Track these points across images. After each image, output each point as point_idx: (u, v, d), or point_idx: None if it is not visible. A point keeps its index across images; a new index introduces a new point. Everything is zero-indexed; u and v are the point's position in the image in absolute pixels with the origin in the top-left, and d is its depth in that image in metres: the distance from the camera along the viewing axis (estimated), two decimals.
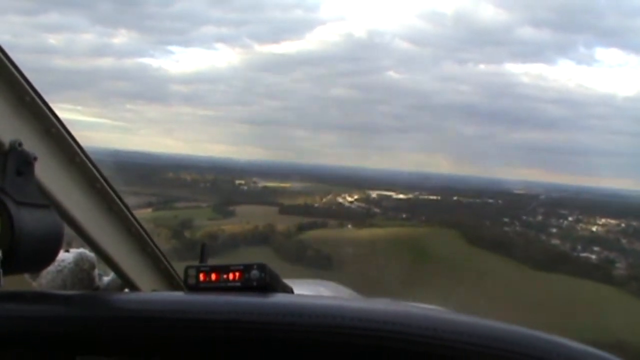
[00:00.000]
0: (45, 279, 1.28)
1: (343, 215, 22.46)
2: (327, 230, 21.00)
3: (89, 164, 1.14)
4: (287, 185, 26.46)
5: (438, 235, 20.38)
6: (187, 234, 17.96)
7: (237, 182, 25.94)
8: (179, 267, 1.42)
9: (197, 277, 1.06)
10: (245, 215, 21.41)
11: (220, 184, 26.10)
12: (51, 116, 1.02)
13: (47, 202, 0.97)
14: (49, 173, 1.03)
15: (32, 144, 0.96)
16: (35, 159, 0.94)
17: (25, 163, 0.92)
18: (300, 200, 24.10)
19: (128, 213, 1.28)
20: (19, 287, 1.18)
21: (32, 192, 0.93)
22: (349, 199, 24.48)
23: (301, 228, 20.44)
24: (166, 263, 1.46)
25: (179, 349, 0.89)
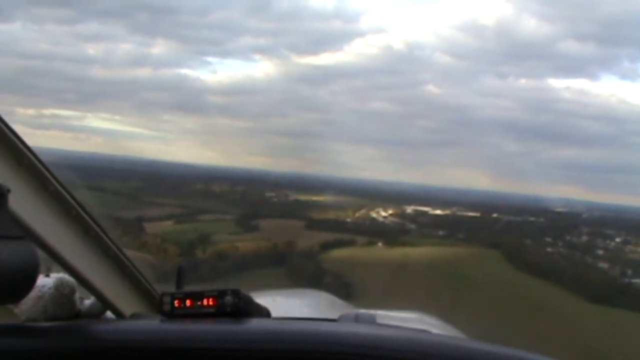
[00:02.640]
0: (26, 305, 1.33)
1: (374, 231, 22.00)
2: (354, 249, 20.06)
3: (64, 192, 1.20)
4: (320, 198, 26.27)
5: (478, 259, 19.46)
6: (198, 251, 17.51)
7: (268, 194, 25.99)
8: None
9: (172, 304, 1.13)
10: (268, 229, 21.14)
11: (249, 196, 26.21)
12: (23, 147, 1.08)
13: (22, 233, 1.02)
14: (23, 204, 1.09)
15: (4, 177, 1.02)
16: (8, 191, 0.98)
17: None
18: (331, 215, 23.79)
19: (105, 237, 1.35)
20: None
21: (7, 224, 0.97)
22: (383, 213, 24.23)
23: (325, 246, 19.47)
24: (147, 284, 1.53)
25: None
